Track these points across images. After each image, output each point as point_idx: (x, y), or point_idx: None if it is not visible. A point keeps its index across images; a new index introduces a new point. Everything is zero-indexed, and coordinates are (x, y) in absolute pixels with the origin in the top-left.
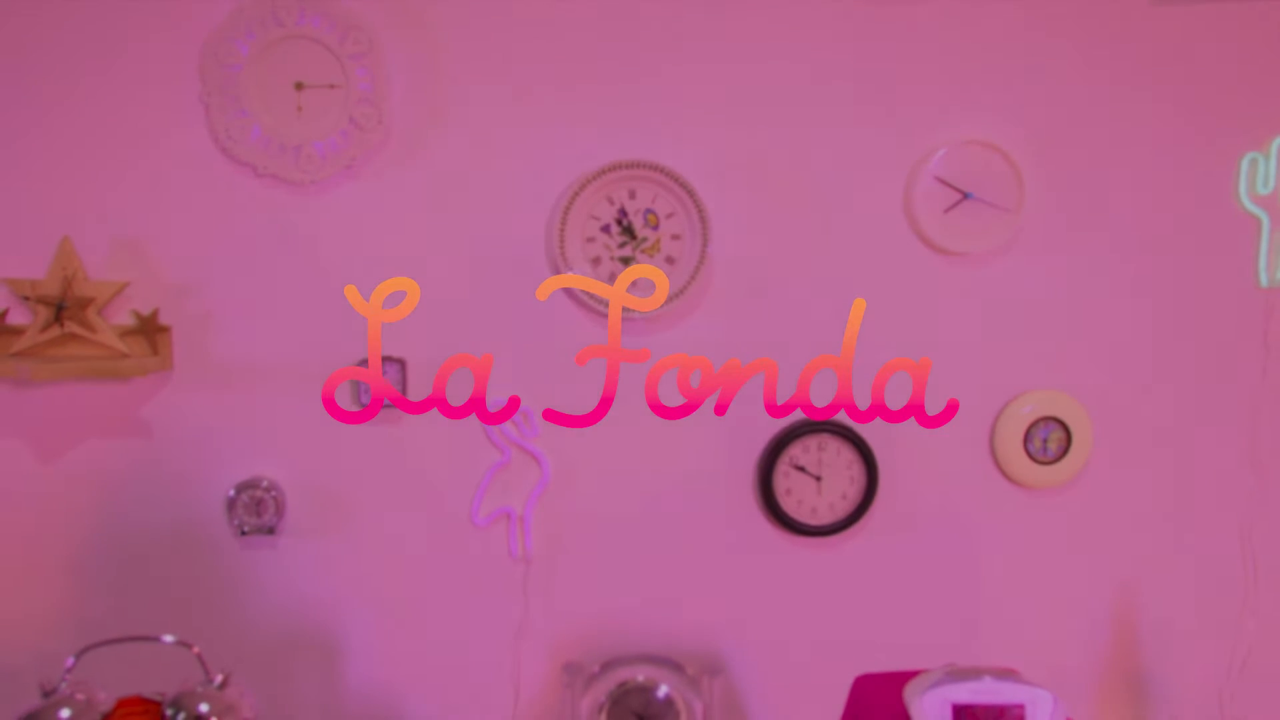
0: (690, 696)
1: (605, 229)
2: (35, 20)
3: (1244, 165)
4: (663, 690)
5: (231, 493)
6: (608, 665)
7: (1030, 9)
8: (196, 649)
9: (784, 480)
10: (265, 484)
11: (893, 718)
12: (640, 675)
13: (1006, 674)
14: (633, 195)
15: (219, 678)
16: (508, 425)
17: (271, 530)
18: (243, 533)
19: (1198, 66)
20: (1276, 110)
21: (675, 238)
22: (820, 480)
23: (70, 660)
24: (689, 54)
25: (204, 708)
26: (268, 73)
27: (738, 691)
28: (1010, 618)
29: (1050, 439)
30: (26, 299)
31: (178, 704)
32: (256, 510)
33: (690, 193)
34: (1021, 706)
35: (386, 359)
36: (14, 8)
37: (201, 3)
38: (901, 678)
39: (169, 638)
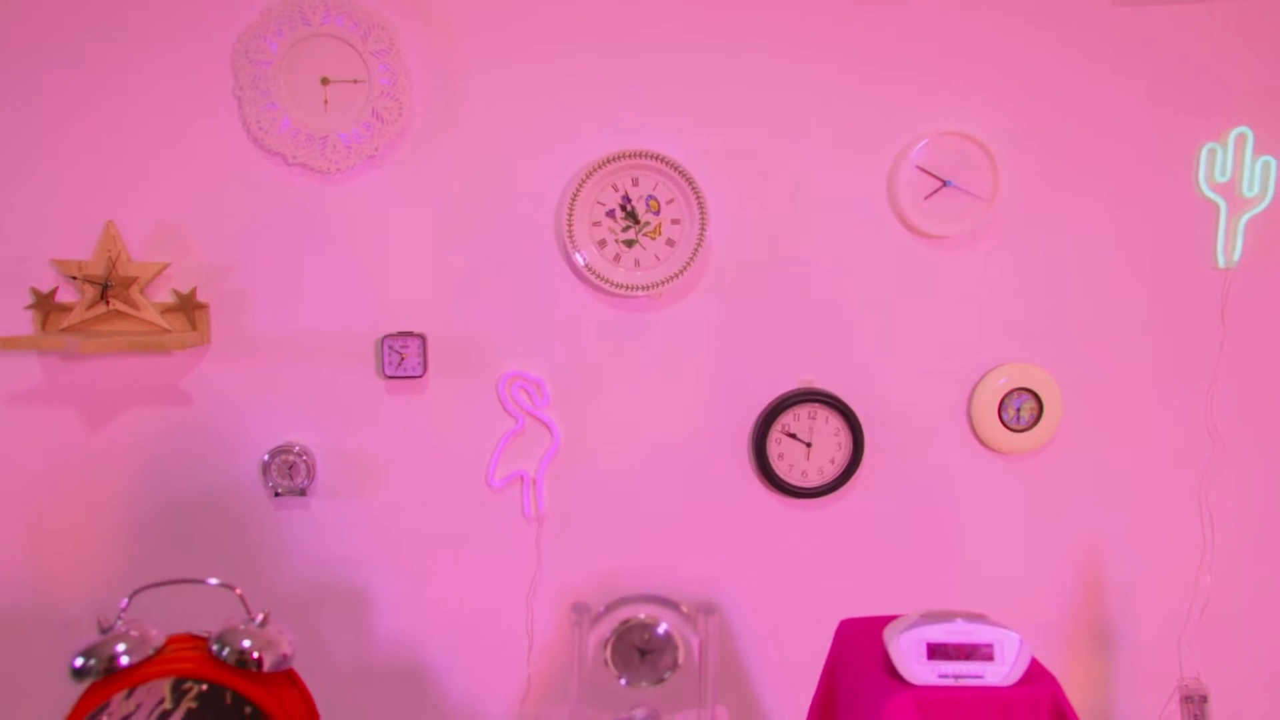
0: (688, 632)
1: (610, 213)
2: (78, 20)
3: (1203, 155)
4: (663, 627)
5: (265, 457)
6: (613, 605)
7: (1004, 11)
8: (239, 590)
9: (776, 446)
10: (297, 449)
11: (873, 656)
12: (642, 613)
13: (976, 617)
14: (636, 182)
15: (259, 616)
16: (521, 394)
17: (303, 492)
18: (276, 494)
19: (1159, 63)
20: (1233, 103)
21: (675, 222)
22: (810, 446)
23: (125, 601)
24: (689, 51)
25: (246, 643)
26: (296, 68)
27: (731, 635)
28: (985, 573)
29: (1023, 408)
30: (74, 278)
31: (223, 639)
32: (289, 473)
33: (689, 180)
34: (990, 645)
35: (408, 334)
36: (58, 8)
37: (233, 2)
38: (881, 621)
39: (213, 580)
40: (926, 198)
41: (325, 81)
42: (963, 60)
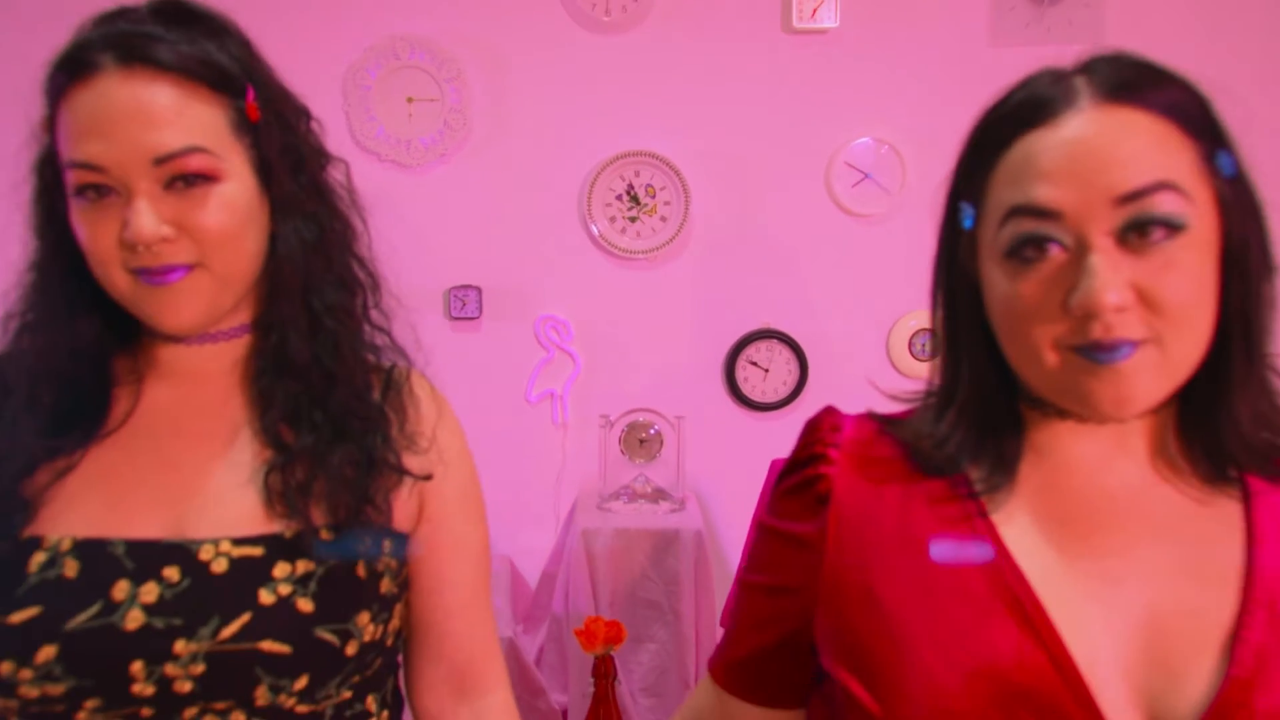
0: (669, 431)
1: (619, 197)
2: None
3: None
4: (654, 428)
5: None
6: (623, 414)
7: (910, 49)
8: None
9: (742, 371)
10: None
11: None
12: (641, 418)
13: None
14: (638, 174)
15: None
16: (552, 332)
17: None
18: None
19: None
20: None
21: (667, 204)
22: (768, 372)
23: None
24: (679, 74)
25: None
26: (389, 91)
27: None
28: None
29: (928, 343)
30: None
31: None
32: None
33: (678, 173)
34: None
35: (468, 286)
36: None
37: (342, 43)
38: None
39: None
40: (854, 186)
41: (410, 100)
42: (881, 84)
